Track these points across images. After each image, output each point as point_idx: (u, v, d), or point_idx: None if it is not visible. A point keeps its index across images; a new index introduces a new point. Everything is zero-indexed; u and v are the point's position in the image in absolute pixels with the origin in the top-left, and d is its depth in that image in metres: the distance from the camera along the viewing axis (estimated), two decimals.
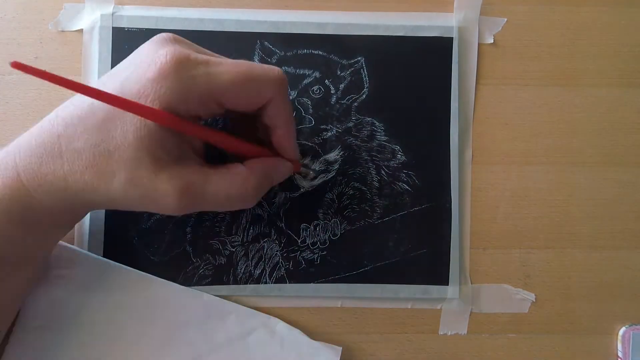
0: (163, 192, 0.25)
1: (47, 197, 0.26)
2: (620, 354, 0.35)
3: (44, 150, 0.25)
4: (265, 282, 0.34)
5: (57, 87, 0.34)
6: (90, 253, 0.33)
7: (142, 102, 0.24)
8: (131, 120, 0.24)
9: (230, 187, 0.27)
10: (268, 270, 0.34)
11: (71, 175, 0.25)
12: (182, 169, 0.26)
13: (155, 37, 0.27)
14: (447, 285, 0.35)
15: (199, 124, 0.27)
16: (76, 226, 0.34)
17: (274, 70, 0.27)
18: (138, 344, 0.33)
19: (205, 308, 0.33)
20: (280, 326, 0.34)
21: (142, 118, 0.24)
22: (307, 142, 0.35)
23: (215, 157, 0.29)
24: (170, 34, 0.27)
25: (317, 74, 0.35)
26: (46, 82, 0.35)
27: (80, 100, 0.25)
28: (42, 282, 0.32)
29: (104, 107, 0.24)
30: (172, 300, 0.33)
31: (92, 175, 0.25)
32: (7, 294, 0.29)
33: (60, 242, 0.33)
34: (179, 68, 0.24)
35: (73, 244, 0.34)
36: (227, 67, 0.26)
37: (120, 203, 0.26)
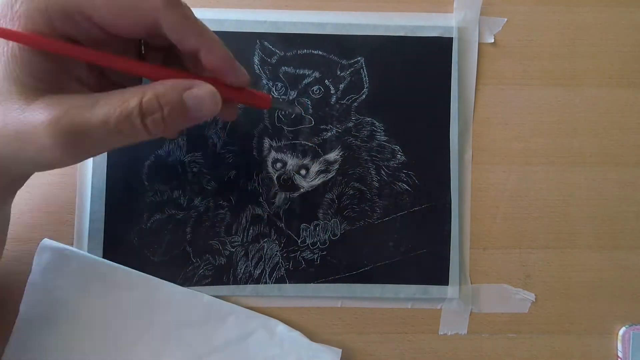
0: (36, 124, 0.20)
1: None
2: (620, 354, 0.35)
3: None
4: (265, 282, 0.34)
5: None
6: (89, 254, 0.33)
7: None
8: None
9: (119, 105, 0.21)
10: (268, 270, 0.34)
11: None
12: (60, 97, 0.21)
13: None
14: (447, 285, 0.35)
15: (74, 45, 0.22)
16: (76, 226, 0.34)
17: None
18: (138, 345, 0.33)
19: (205, 309, 0.33)
20: (280, 328, 0.34)
21: (3, 42, 0.21)
22: (307, 142, 0.35)
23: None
24: None
25: (317, 74, 0.35)
26: None
27: None
28: (41, 282, 0.32)
29: None
30: (172, 301, 0.33)
31: None
32: None
33: (60, 243, 0.33)
34: None
35: (73, 244, 0.34)
36: None
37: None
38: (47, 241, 0.33)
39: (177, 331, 0.33)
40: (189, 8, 0.23)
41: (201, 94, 0.23)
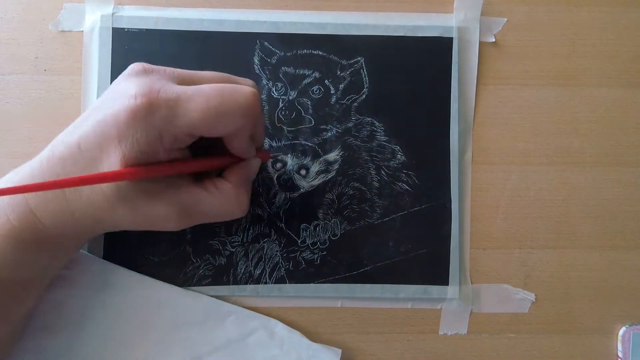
0: (163, 217, 0.27)
1: (58, 228, 0.27)
2: (620, 354, 0.35)
3: (48, 190, 0.26)
4: (265, 283, 0.34)
5: (58, 87, 0.34)
6: (90, 255, 0.33)
7: (122, 145, 0.25)
8: (116, 161, 0.25)
9: (224, 204, 0.29)
10: (268, 270, 0.34)
11: (77, 211, 0.27)
12: (174, 193, 0.28)
13: (127, 70, 0.27)
14: (447, 285, 0.35)
15: (167, 164, 0.27)
16: None
17: (245, 95, 0.27)
18: (138, 345, 0.33)
19: (205, 309, 0.33)
20: (280, 328, 0.34)
21: (122, 152, 0.25)
22: (307, 142, 0.35)
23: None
24: (141, 65, 0.27)
25: (317, 74, 0.35)
26: (46, 82, 0.35)
27: (69, 138, 0.26)
28: None
29: (91, 147, 0.26)
30: (172, 302, 0.33)
31: (94, 209, 0.27)
32: (16, 316, 0.30)
33: None
34: (149, 112, 0.25)
35: None
36: (197, 103, 0.26)
37: (127, 227, 0.28)
38: None
39: (176, 331, 0.33)
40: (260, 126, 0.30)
41: (258, 167, 0.31)
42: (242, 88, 0.27)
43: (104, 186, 0.26)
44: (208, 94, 0.26)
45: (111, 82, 0.32)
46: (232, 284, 0.34)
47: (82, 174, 0.26)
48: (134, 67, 0.27)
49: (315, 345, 0.33)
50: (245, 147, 0.29)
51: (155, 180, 0.27)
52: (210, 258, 0.34)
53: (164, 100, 0.25)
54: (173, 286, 0.34)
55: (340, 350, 0.33)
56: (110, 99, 0.26)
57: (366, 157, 0.35)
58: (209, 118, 0.26)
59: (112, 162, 0.25)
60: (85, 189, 0.26)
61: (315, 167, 0.35)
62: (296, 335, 0.34)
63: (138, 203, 0.27)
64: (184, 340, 0.33)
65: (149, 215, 0.27)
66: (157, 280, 0.34)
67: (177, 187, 0.28)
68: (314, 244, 0.35)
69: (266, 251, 0.34)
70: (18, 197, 0.27)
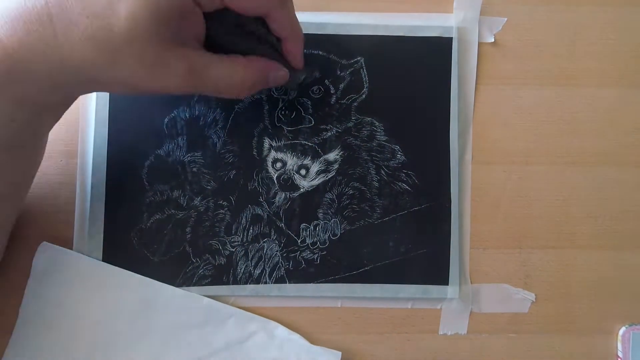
0: (172, 71, 0.26)
1: (39, 68, 0.24)
2: (620, 354, 0.35)
3: (29, 14, 0.23)
4: (265, 282, 0.34)
5: None
6: (88, 257, 0.33)
7: None
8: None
9: (230, 74, 0.28)
10: (268, 270, 0.34)
11: (66, 46, 0.23)
12: (187, 51, 0.26)
13: None
14: (447, 285, 0.35)
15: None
16: (76, 226, 0.34)
17: None
18: (138, 347, 0.33)
19: (205, 312, 0.33)
20: (280, 330, 0.34)
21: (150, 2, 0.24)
22: (307, 142, 0.35)
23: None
24: None
25: (317, 74, 0.35)
26: None
27: None
28: (40, 285, 0.32)
29: None
30: (171, 304, 0.33)
31: (92, 48, 0.24)
32: (4, 182, 0.28)
33: (61, 247, 0.33)
34: None
35: (73, 244, 0.34)
36: None
37: (123, 81, 0.26)
38: (46, 244, 0.33)
39: (176, 333, 0.33)
40: (293, 7, 0.29)
41: (281, 79, 0.31)
42: None
43: (115, 25, 0.23)
44: None
45: None
46: (232, 284, 0.34)
47: (88, 6, 0.23)
48: None
49: (314, 348, 0.33)
50: (294, 49, 0.30)
51: (172, 32, 0.25)
52: (210, 258, 0.34)
53: None
54: (173, 288, 0.34)
55: (340, 353, 0.33)
56: None
57: (366, 157, 0.35)
58: None
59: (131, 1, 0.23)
60: (84, 27, 0.23)
61: (315, 167, 0.35)
62: (296, 338, 0.34)
63: (149, 49, 0.24)
64: (183, 343, 0.33)
65: (156, 66, 0.25)
66: (157, 282, 0.34)
67: (191, 46, 0.27)
68: (314, 243, 0.35)
69: (266, 251, 0.34)
70: None
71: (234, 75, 0.28)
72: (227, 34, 0.29)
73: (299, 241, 0.35)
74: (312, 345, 0.33)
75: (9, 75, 0.24)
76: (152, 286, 0.33)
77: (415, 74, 0.36)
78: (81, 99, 0.34)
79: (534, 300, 0.35)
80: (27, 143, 0.28)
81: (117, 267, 0.33)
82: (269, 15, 0.28)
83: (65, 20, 0.23)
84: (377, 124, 0.35)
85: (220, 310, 0.34)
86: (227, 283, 0.34)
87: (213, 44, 0.28)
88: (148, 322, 0.33)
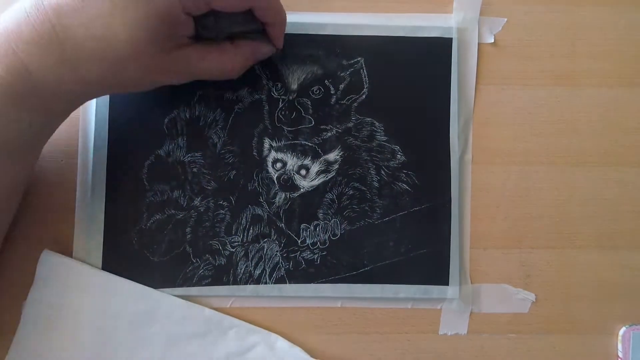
0: (172, 70, 0.30)
1: (55, 83, 0.27)
2: (620, 354, 0.35)
3: (40, 39, 0.26)
4: (265, 283, 0.34)
5: None
6: (90, 266, 0.33)
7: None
8: (134, 15, 0.26)
9: (222, 62, 0.31)
10: (268, 270, 0.34)
11: (76, 64, 0.26)
12: (182, 50, 0.29)
13: None
14: (447, 285, 0.35)
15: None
16: (76, 226, 0.34)
17: None
18: (138, 356, 0.33)
19: (206, 322, 0.33)
20: (281, 343, 0.33)
21: (143, 11, 0.26)
22: (307, 142, 0.35)
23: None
24: None
25: (317, 74, 0.35)
26: None
27: None
28: (42, 294, 0.32)
29: None
30: (172, 314, 0.33)
31: (100, 65, 0.27)
32: (11, 183, 0.30)
33: (64, 256, 0.33)
34: None
35: (73, 244, 0.34)
36: None
37: (128, 86, 0.30)
38: (48, 252, 0.33)
39: (177, 344, 0.33)
40: None
41: (267, 54, 0.34)
42: None
43: (117, 46, 0.26)
44: None
45: None
46: (232, 284, 0.34)
47: (90, 29, 0.25)
48: None
49: None
50: (279, 32, 0.32)
51: (169, 40, 0.28)
52: (210, 258, 0.34)
53: None
54: (175, 297, 0.34)
55: None
56: None
57: (366, 157, 0.35)
58: None
59: (129, 15, 0.25)
60: (90, 49, 0.26)
61: (315, 167, 0.35)
62: (297, 351, 0.33)
63: (150, 60, 0.28)
64: (183, 353, 0.33)
65: (158, 69, 0.29)
66: (158, 292, 0.33)
67: (185, 44, 0.29)
68: (314, 244, 0.35)
69: (266, 251, 0.34)
70: (4, 46, 0.26)
71: (226, 62, 0.31)
72: (215, 27, 0.31)
73: (299, 241, 0.35)
74: (312, 358, 0.33)
75: (29, 89, 0.27)
76: (153, 296, 0.33)
77: (415, 75, 0.36)
78: None
79: (534, 300, 0.35)
80: (38, 146, 0.31)
81: (119, 277, 0.33)
82: (254, 7, 0.30)
83: (73, 43, 0.26)
84: (377, 124, 0.35)
85: (221, 321, 0.33)
86: (227, 283, 0.34)
87: (201, 33, 0.30)
88: (149, 331, 0.33)
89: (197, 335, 0.33)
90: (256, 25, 0.32)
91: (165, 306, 0.33)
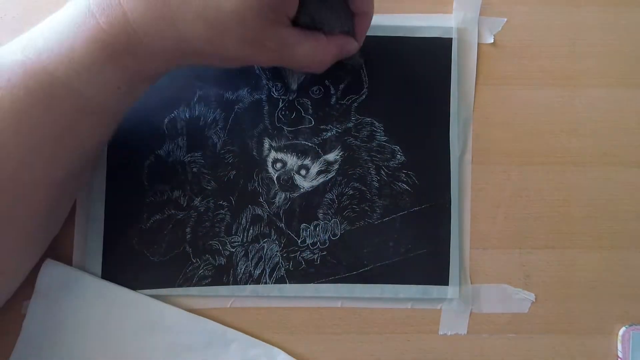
0: (268, 47, 0.28)
1: (155, 43, 0.26)
2: (620, 354, 0.35)
3: None
4: (265, 283, 0.34)
5: None
6: (92, 275, 0.33)
7: None
8: None
9: (314, 52, 0.30)
10: (268, 270, 0.34)
11: (180, 23, 0.26)
12: (281, 29, 0.28)
13: None
14: (447, 285, 0.35)
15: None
16: (76, 226, 0.34)
17: None
18: None
19: (208, 334, 0.33)
20: (282, 357, 0.33)
21: None
22: (307, 142, 0.35)
23: None
24: None
25: (317, 74, 0.35)
26: None
27: None
28: (44, 303, 0.32)
29: None
30: (174, 325, 0.33)
31: (203, 25, 0.26)
32: (98, 143, 0.30)
33: (66, 265, 0.33)
34: None
35: (72, 245, 0.34)
36: None
37: (224, 55, 0.28)
38: (50, 262, 0.33)
39: (179, 355, 0.33)
40: None
41: (352, 51, 0.33)
42: None
43: (223, 5, 0.25)
44: None
45: None
46: (232, 284, 0.34)
47: None
48: None
49: None
50: (365, 27, 0.32)
51: (273, 13, 0.27)
52: (210, 258, 0.34)
53: None
54: (178, 309, 0.33)
55: None
56: None
57: (366, 157, 0.35)
58: None
59: None
60: (196, 5, 0.25)
61: (315, 167, 0.35)
62: None
63: (252, 28, 0.27)
64: None
65: (255, 43, 0.28)
66: (161, 302, 0.33)
67: (284, 24, 0.29)
68: (314, 244, 0.35)
69: (266, 251, 0.34)
70: (113, 5, 0.25)
71: (318, 53, 0.31)
72: (315, 16, 0.30)
73: (299, 241, 0.35)
74: None
75: (127, 46, 0.26)
76: (156, 306, 0.33)
77: (415, 75, 0.36)
78: None
79: (534, 300, 0.35)
80: (123, 108, 0.30)
81: (121, 287, 0.33)
82: None
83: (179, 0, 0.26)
84: (377, 124, 0.35)
85: (223, 334, 0.33)
86: (227, 283, 0.34)
87: (300, 19, 0.30)
88: (151, 342, 0.33)
89: (199, 347, 0.33)
90: (349, 26, 0.32)
91: (167, 317, 0.33)
